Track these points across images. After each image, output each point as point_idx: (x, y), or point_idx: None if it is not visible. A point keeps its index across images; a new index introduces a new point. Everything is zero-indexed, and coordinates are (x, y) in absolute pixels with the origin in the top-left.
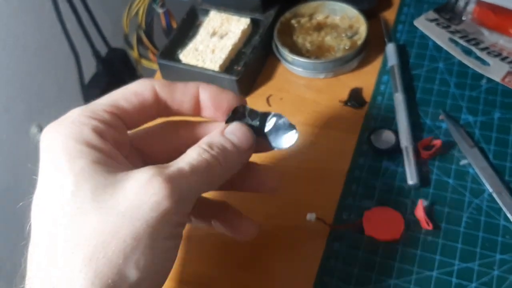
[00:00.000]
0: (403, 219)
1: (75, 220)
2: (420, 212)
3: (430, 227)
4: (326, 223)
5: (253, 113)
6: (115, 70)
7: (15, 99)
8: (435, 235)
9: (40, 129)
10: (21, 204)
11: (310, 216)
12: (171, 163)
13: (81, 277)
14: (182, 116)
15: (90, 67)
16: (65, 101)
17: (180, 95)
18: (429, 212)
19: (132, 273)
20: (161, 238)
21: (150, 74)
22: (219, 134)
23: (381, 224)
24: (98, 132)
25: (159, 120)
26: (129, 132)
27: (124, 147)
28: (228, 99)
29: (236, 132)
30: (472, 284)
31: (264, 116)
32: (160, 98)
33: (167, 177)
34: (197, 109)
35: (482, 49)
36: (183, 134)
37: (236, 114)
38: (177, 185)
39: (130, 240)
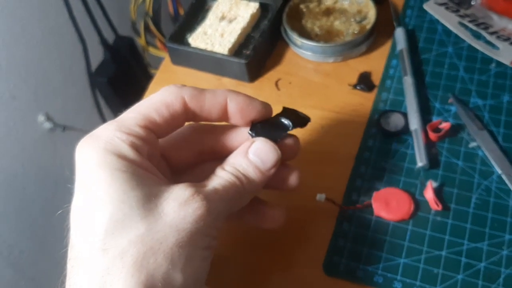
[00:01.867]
0: (413, 200)
1: (122, 226)
2: (429, 193)
3: (439, 207)
4: (336, 204)
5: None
6: (122, 57)
7: (22, 87)
8: (444, 216)
9: (48, 117)
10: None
11: (320, 197)
12: (206, 183)
13: (134, 281)
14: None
15: (97, 55)
16: (72, 89)
17: (208, 104)
18: (438, 193)
19: (179, 278)
20: (200, 247)
21: (157, 62)
22: (243, 155)
23: (391, 204)
24: (135, 148)
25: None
26: None
27: (156, 158)
28: (256, 108)
29: (259, 153)
30: (481, 264)
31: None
32: (189, 108)
33: (206, 195)
34: (224, 117)
35: (492, 33)
36: (207, 141)
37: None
38: (213, 203)
39: (176, 247)
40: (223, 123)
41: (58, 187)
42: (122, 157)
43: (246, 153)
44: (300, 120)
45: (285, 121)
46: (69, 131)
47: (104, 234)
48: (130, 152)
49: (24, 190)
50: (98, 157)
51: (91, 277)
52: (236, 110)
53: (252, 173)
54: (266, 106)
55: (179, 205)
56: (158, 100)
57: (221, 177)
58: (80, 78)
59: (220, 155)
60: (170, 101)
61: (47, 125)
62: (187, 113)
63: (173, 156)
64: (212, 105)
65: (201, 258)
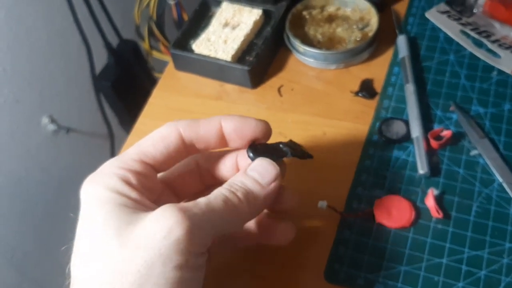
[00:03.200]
0: (414, 207)
1: (103, 258)
2: (430, 201)
3: (440, 215)
4: (337, 211)
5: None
6: (126, 61)
7: (27, 89)
8: (445, 224)
9: (51, 119)
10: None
11: (321, 204)
12: (193, 202)
13: None
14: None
15: (101, 59)
16: (76, 92)
17: (204, 131)
18: (439, 201)
19: None
20: (173, 266)
21: (161, 65)
22: (241, 174)
23: (392, 212)
24: (125, 181)
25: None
26: (161, 174)
27: (154, 190)
28: (251, 126)
29: (257, 168)
30: (482, 272)
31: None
32: (185, 138)
33: (181, 207)
34: (223, 142)
35: (493, 42)
36: (205, 167)
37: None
38: (190, 214)
39: (143, 269)
40: (225, 149)
41: (62, 189)
42: (112, 190)
43: (244, 171)
44: (301, 153)
45: (284, 148)
46: (73, 133)
47: (91, 268)
48: (119, 185)
49: (28, 192)
50: (92, 193)
51: None
52: (231, 130)
53: (252, 186)
54: (261, 122)
55: (151, 223)
56: (156, 135)
57: (213, 194)
58: (84, 81)
59: (222, 181)
60: (165, 134)
61: (51, 127)
62: (184, 143)
63: (179, 185)
64: (208, 131)
65: (176, 279)
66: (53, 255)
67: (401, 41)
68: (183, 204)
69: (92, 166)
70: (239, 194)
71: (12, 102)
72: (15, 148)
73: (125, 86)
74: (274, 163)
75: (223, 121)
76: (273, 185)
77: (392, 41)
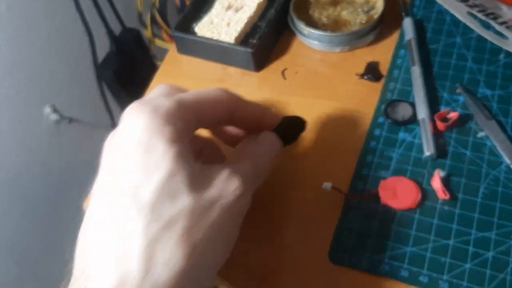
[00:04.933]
0: (420, 188)
1: (172, 196)
2: (437, 182)
3: (447, 196)
4: (342, 192)
5: None
6: (128, 50)
7: (29, 79)
8: (451, 205)
9: (54, 109)
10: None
11: (326, 185)
12: (237, 166)
13: (180, 252)
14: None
15: (103, 47)
16: (78, 81)
17: (248, 113)
18: (446, 182)
19: (216, 251)
20: (236, 226)
21: (163, 54)
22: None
23: (398, 193)
24: (186, 128)
25: None
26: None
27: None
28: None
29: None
30: (489, 253)
31: None
32: (229, 110)
33: (242, 177)
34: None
35: (501, 24)
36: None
37: None
38: (247, 182)
39: (217, 224)
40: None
41: (63, 181)
42: (177, 132)
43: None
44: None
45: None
46: (75, 123)
47: (155, 201)
48: (183, 130)
49: (29, 184)
50: (153, 126)
51: (139, 241)
52: (267, 127)
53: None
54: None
55: (222, 184)
56: (212, 94)
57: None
58: (86, 70)
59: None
60: (222, 98)
61: (53, 117)
62: (227, 114)
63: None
64: (250, 115)
65: (235, 237)
66: (54, 250)
67: (407, 23)
68: (240, 171)
69: (94, 157)
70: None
71: (13, 92)
72: (16, 139)
73: (127, 75)
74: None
75: (267, 117)
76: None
77: (398, 24)
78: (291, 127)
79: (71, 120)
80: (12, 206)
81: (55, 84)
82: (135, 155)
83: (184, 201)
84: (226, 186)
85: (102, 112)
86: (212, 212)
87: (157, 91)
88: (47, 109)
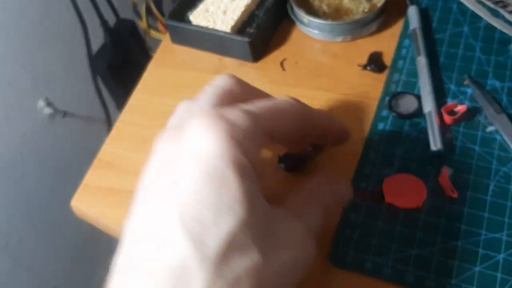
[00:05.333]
0: (426, 187)
1: (241, 250)
2: (444, 180)
3: (455, 194)
4: None
5: None
6: (123, 41)
7: (22, 71)
8: (460, 204)
9: (48, 103)
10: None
11: None
12: (308, 210)
13: None
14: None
15: (97, 38)
16: (72, 73)
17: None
18: (454, 180)
19: None
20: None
21: (159, 45)
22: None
23: (402, 191)
24: (258, 155)
25: None
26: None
27: None
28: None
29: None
30: (500, 255)
31: None
32: (301, 122)
33: (313, 236)
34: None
35: (510, 12)
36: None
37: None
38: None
39: (285, 284)
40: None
41: (57, 174)
42: (251, 162)
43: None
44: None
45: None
46: (70, 117)
47: (222, 254)
48: (256, 157)
49: (23, 178)
50: (230, 150)
51: None
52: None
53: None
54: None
55: (295, 247)
56: (287, 113)
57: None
58: (80, 62)
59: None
60: (293, 109)
61: (47, 110)
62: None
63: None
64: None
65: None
66: (48, 243)
67: (412, 12)
68: (313, 231)
69: (88, 150)
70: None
71: (6, 85)
72: (9, 132)
73: (122, 67)
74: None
75: (334, 127)
76: None
77: (402, 13)
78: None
79: (65, 113)
80: (6, 199)
81: (48, 77)
82: (205, 187)
83: (254, 258)
84: (301, 249)
85: (96, 106)
86: (281, 277)
87: (222, 85)
88: (41, 103)
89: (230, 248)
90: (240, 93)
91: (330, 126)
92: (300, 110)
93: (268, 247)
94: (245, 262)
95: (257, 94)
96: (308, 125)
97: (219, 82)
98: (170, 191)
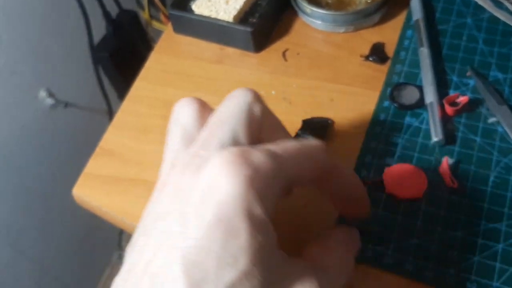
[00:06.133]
0: (427, 177)
1: None
2: (445, 169)
3: (455, 185)
4: None
5: None
6: (125, 32)
7: (23, 62)
8: (460, 195)
9: (49, 93)
10: None
11: None
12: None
13: None
14: None
15: (99, 29)
16: (74, 64)
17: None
18: (454, 170)
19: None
20: None
21: (161, 35)
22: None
23: (403, 181)
24: (276, 201)
25: None
26: None
27: None
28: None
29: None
30: (499, 245)
31: None
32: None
33: None
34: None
35: None
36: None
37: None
38: None
39: None
40: None
41: (58, 164)
42: (268, 209)
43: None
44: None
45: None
46: (71, 108)
47: None
48: (273, 205)
49: (24, 168)
50: (247, 198)
51: None
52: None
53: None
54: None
55: None
56: (311, 152)
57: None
58: (82, 52)
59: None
60: (321, 159)
61: (49, 101)
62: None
63: None
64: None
65: None
66: (49, 233)
67: (415, 2)
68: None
69: (90, 141)
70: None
71: (8, 75)
72: (11, 122)
73: (124, 58)
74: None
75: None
76: None
77: (406, 3)
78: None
79: (67, 104)
80: (7, 189)
81: (50, 67)
82: (213, 234)
83: None
84: None
85: (98, 97)
86: None
87: (246, 106)
88: (43, 93)
89: None
90: (260, 116)
91: (353, 189)
92: (324, 161)
93: None
94: None
95: (275, 121)
96: (330, 178)
97: (244, 100)
98: (178, 231)
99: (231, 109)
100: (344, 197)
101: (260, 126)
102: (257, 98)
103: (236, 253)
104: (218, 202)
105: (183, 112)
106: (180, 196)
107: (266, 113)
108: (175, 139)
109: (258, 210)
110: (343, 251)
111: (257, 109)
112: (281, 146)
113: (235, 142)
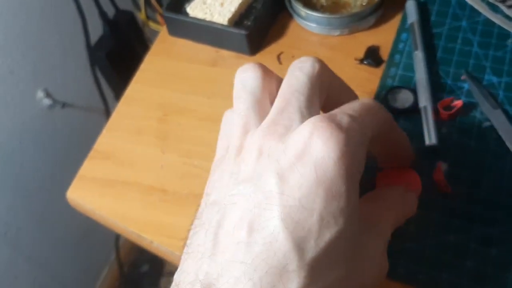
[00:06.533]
0: (420, 181)
1: (330, 262)
2: (439, 175)
3: (448, 189)
4: None
5: None
6: (122, 32)
7: (21, 61)
8: (453, 199)
9: (47, 94)
10: None
11: None
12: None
13: None
14: None
15: (96, 29)
16: (71, 64)
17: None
18: (448, 175)
19: None
20: None
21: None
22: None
23: (396, 184)
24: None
25: None
26: None
27: None
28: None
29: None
30: (493, 250)
31: None
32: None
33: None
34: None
35: (510, 7)
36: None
37: None
38: None
39: None
40: None
41: (56, 164)
42: (359, 174)
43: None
44: None
45: None
46: (68, 108)
47: (318, 263)
48: (360, 166)
49: (22, 167)
50: (345, 162)
51: None
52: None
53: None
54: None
55: (377, 266)
56: (375, 108)
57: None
58: (79, 53)
59: None
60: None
61: (47, 101)
62: None
63: None
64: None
65: None
66: (48, 232)
67: (410, 5)
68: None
69: (87, 141)
70: None
71: (6, 74)
72: (9, 121)
73: (121, 58)
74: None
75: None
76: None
77: (401, 6)
78: None
79: (64, 104)
80: (5, 189)
81: (47, 67)
82: (314, 193)
83: (340, 273)
84: (379, 270)
85: (95, 97)
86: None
87: (310, 72)
88: (40, 94)
89: (326, 260)
90: (328, 82)
91: (402, 144)
92: (388, 116)
93: (354, 267)
94: (333, 275)
95: (340, 83)
96: (388, 133)
97: (312, 69)
98: (276, 191)
99: (302, 79)
100: (393, 152)
101: (328, 91)
102: (323, 65)
103: (336, 213)
104: (317, 164)
105: (249, 78)
106: (268, 159)
107: (332, 76)
108: (245, 104)
109: (353, 171)
110: (394, 209)
111: (325, 75)
112: (355, 108)
113: (311, 110)
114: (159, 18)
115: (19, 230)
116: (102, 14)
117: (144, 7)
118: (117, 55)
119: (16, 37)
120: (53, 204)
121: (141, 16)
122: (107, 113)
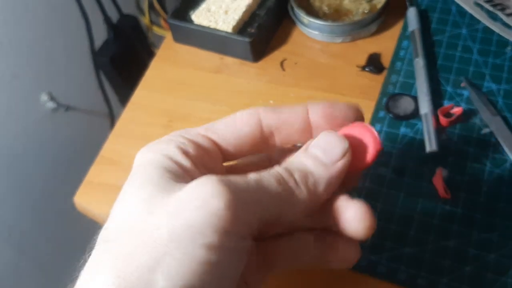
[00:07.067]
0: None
1: (129, 222)
2: (438, 181)
3: (448, 195)
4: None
5: None
6: (126, 37)
7: (25, 65)
8: (453, 205)
9: (51, 97)
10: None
11: None
12: (240, 176)
13: (109, 280)
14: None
15: (100, 34)
16: (75, 68)
17: (287, 117)
18: (448, 181)
19: (159, 283)
20: (203, 244)
21: (161, 41)
22: (303, 150)
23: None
24: (182, 148)
25: None
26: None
27: (214, 172)
28: (341, 112)
29: (320, 143)
30: (491, 255)
31: None
32: (263, 124)
33: (224, 180)
34: (307, 133)
35: (509, 15)
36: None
37: None
38: (234, 188)
39: (166, 241)
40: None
41: (60, 167)
42: (163, 154)
43: (305, 149)
44: None
45: None
46: (72, 112)
47: (116, 220)
48: (173, 151)
49: (25, 170)
50: (143, 157)
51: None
52: (320, 117)
53: (312, 166)
54: (353, 106)
55: (186, 193)
56: (231, 116)
57: (267, 172)
58: (83, 57)
59: None
60: (241, 116)
61: (50, 104)
62: (262, 132)
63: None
64: (291, 117)
65: (202, 259)
66: (51, 234)
67: (411, 13)
68: (229, 176)
69: (91, 145)
70: (296, 175)
71: (10, 78)
72: (13, 124)
73: (125, 62)
74: (342, 137)
75: (310, 107)
76: (339, 164)
77: (402, 14)
78: None
79: (68, 108)
80: (9, 192)
81: (52, 71)
82: (123, 186)
83: (138, 218)
84: (192, 192)
85: (99, 100)
86: (163, 225)
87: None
88: (44, 97)
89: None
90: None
91: (307, 109)
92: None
93: (154, 204)
94: (131, 229)
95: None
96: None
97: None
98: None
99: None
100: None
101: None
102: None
103: None
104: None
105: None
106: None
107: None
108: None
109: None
110: None
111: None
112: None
113: None
114: (162, 23)
115: (22, 233)
116: (106, 18)
117: (148, 12)
118: (121, 59)
119: (20, 41)
120: (57, 207)
121: (145, 20)
122: (111, 116)
